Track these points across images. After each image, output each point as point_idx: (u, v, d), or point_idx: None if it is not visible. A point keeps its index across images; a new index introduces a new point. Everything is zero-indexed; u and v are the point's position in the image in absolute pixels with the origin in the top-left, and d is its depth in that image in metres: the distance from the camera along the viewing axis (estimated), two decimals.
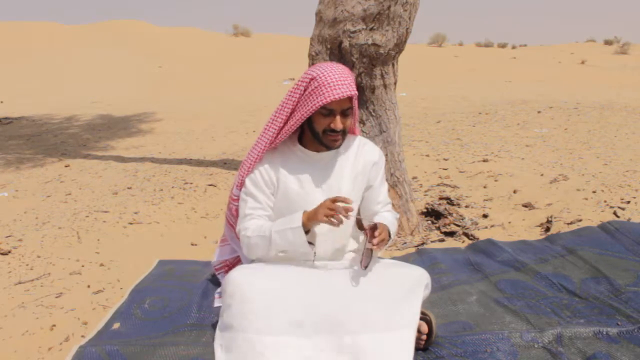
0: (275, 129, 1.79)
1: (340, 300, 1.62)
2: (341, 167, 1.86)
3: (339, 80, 1.66)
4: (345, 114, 1.73)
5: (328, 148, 1.79)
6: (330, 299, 1.62)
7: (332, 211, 1.61)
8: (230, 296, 1.67)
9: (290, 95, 1.77)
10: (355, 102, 1.76)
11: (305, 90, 1.72)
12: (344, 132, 1.76)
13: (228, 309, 1.66)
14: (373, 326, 1.59)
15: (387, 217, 1.91)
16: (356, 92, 1.72)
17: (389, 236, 1.78)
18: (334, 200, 1.63)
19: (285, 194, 1.83)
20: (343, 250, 1.92)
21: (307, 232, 1.70)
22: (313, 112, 1.69)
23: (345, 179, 1.85)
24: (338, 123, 1.71)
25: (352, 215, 1.66)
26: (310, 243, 1.73)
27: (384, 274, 1.76)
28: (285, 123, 1.78)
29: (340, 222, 1.61)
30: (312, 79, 1.70)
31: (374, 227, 1.66)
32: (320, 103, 1.66)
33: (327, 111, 1.70)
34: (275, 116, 1.80)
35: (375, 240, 1.63)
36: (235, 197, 1.96)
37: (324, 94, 1.66)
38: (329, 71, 1.68)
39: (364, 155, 1.90)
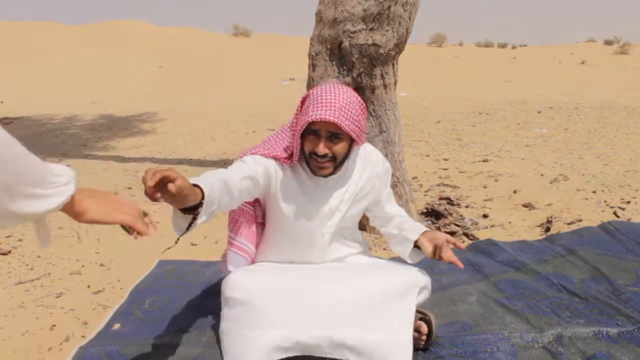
0: (284, 147, 1.72)
1: (338, 298, 1.62)
2: (344, 185, 1.77)
3: (327, 103, 1.52)
4: (333, 138, 1.57)
5: (315, 174, 1.64)
6: (328, 297, 1.62)
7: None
8: (226, 299, 1.68)
9: (294, 115, 1.70)
10: (352, 131, 1.56)
11: (301, 109, 1.65)
12: (334, 159, 1.60)
13: (228, 311, 1.67)
14: (371, 325, 1.58)
15: (415, 224, 1.82)
16: (345, 122, 1.53)
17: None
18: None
19: (284, 209, 1.74)
20: (344, 257, 1.91)
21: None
22: (301, 130, 1.59)
23: (346, 200, 1.77)
24: (321, 147, 1.56)
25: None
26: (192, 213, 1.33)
27: (383, 273, 1.76)
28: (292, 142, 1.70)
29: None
30: (306, 97, 1.63)
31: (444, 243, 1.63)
32: (304, 121, 1.56)
33: (313, 132, 1.58)
34: (281, 133, 1.77)
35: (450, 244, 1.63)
36: None
37: (308, 112, 1.55)
38: (323, 91, 1.57)
39: (370, 166, 1.82)
